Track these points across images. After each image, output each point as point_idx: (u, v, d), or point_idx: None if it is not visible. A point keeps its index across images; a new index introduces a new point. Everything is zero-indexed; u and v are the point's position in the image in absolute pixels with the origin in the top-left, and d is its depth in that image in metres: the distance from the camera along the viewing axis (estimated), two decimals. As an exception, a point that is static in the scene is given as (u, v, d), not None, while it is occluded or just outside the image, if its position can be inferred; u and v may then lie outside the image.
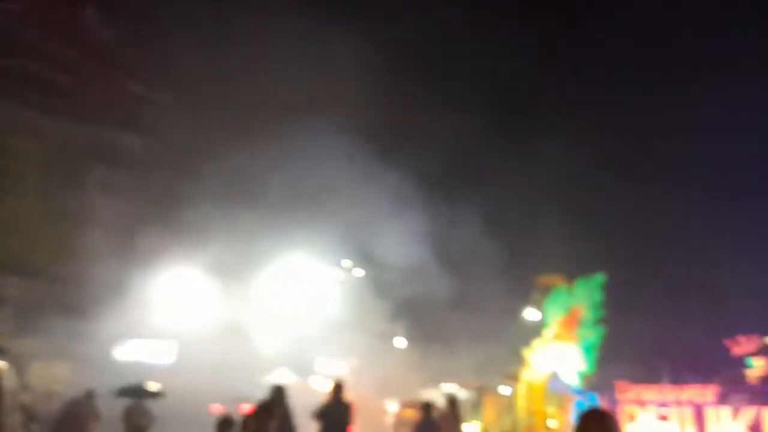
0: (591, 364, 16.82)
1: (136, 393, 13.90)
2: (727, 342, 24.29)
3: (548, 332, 18.93)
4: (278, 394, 10.17)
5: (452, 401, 10.69)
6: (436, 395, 58.50)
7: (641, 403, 11.45)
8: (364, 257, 48.88)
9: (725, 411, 10.27)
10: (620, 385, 12.03)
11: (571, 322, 17.81)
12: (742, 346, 23.75)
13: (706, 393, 10.56)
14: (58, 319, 27.42)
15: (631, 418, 11.60)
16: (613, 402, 12.28)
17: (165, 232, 29.49)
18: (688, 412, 10.68)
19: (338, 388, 10.17)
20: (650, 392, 11.52)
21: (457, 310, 51.70)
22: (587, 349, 17.09)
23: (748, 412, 9.97)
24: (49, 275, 30.19)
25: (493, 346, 44.11)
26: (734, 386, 11.66)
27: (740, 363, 22.13)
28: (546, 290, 20.41)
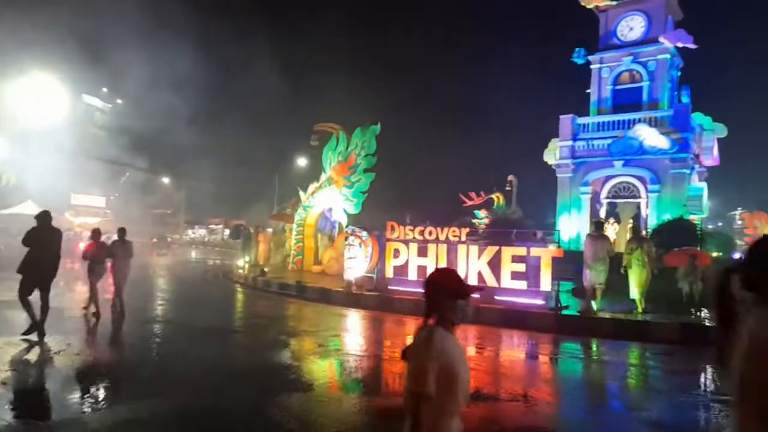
0: (358, 206, 18.50)
1: None
2: (462, 196, 28.88)
3: (323, 176, 20.02)
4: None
5: (121, 231, 11.31)
6: (201, 233, 58.18)
7: (406, 242, 13.13)
8: (128, 88, 44.06)
9: (474, 248, 12.28)
10: (390, 225, 13.42)
11: (345, 167, 19.04)
12: (472, 200, 28.50)
13: (461, 234, 12.39)
14: None
15: (396, 253, 13.36)
16: (382, 239, 13.88)
17: None
18: (444, 249, 12.67)
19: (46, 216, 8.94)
20: (414, 232, 13.06)
21: (229, 152, 51.10)
22: (356, 194, 18.65)
23: (491, 250, 12.00)
24: None
25: (264, 187, 45.50)
26: (470, 231, 13.64)
27: (470, 214, 26.76)
28: (324, 137, 21.18)
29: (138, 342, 8.81)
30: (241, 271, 19.80)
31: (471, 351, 8.55)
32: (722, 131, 25.53)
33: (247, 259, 20.78)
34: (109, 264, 10.89)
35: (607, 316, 10.62)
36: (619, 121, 23.69)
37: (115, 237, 11.53)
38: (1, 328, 8.99)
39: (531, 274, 11.21)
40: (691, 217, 20.07)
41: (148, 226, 47.29)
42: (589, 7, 25.70)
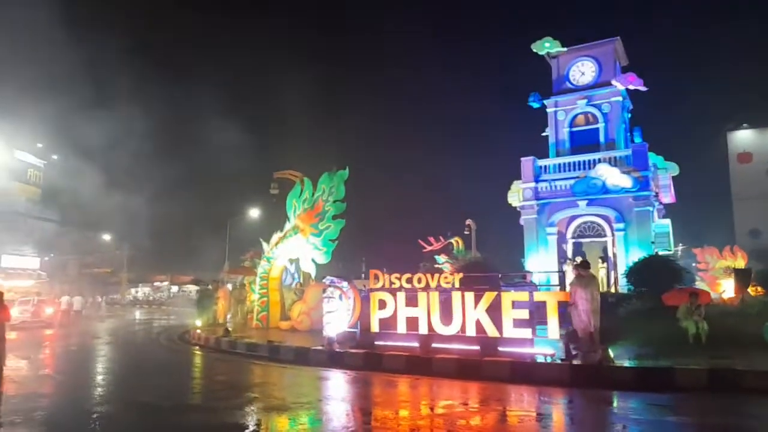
0: (328, 255, 17.39)
1: None
2: (421, 242, 28.25)
3: (288, 225, 18.86)
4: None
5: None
6: (145, 291, 55.12)
7: (393, 291, 12.05)
8: (72, 142, 41.88)
9: (469, 295, 11.15)
10: (374, 273, 12.36)
11: (312, 215, 17.99)
12: (432, 245, 27.91)
13: (454, 280, 11.47)
14: None
15: (382, 304, 12.25)
16: (365, 290, 12.81)
17: None
18: (435, 297, 11.66)
19: None
20: (401, 280, 12.04)
21: (173, 206, 48.93)
22: (325, 242, 17.56)
23: (489, 296, 10.90)
24: None
25: (212, 241, 43.43)
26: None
27: (431, 259, 26.06)
28: (285, 185, 20.17)
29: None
30: (199, 331, 18.06)
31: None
32: (675, 169, 26.31)
33: (204, 318, 19.06)
34: None
35: (626, 364, 9.84)
36: (579, 162, 23.97)
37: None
38: None
39: (535, 321, 10.39)
40: (659, 254, 20.09)
41: (85, 286, 43.97)
42: (540, 53, 26.38)
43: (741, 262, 23.71)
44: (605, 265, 23.68)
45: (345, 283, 13.04)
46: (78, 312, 29.03)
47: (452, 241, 27.80)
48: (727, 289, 20.13)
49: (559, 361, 9.92)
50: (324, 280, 13.68)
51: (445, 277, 11.56)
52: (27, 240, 42.35)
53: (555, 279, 19.44)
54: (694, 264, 25.49)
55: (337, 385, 10.48)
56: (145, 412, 8.22)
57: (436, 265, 25.47)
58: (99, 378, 11.75)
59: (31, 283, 35.11)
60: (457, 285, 11.46)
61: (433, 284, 11.68)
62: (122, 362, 14.59)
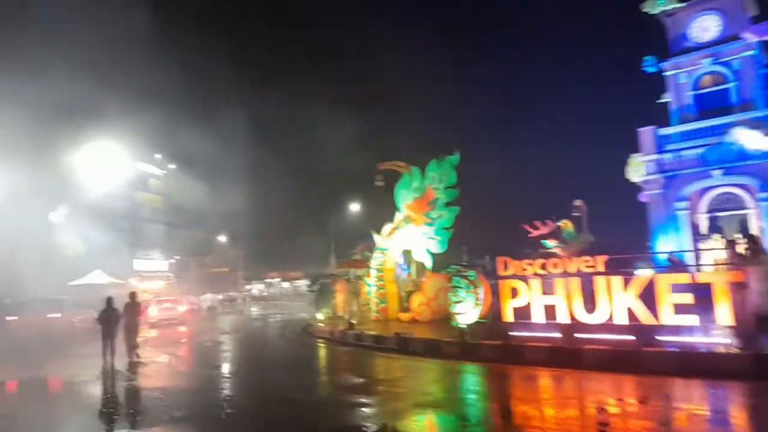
0: (443, 244, 17.01)
1: None
2: (526, 226, 26.94)
3: (399, 216, 18.69)
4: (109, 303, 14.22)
5: (131, 295, 14.93)
6: (259, 288, 57.86)
7: (525, 279, 11.43)
8: (180, 153, 44.78)
9: (617, 280, 10.22)
10: (502, 260, 11.75)
11: (423, 204, 17.67)
12: (538, 229, 26.50)
13: (598, 261, 10.60)
14: None
15: (514, 293, 11.68)
16: (494, 277, 12.28)
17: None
18: (576, 283, 10.84)
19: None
20: (534, 265, 11.39)
21: (281, 204, 50.89)
22: (439, 231, 17.20)
23: (640, 280, 9.96)
24: None
25: (318, 236, 44.58)
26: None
27: (536, 245, 24.74)
28: (392, 177, 19.98)
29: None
30: (321, 324, 18.42)
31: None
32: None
33: (324, 311, 19.42)
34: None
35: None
36: (708, 127, 21.68)
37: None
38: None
39: (701, 306, 9.32)
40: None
41: (207, 285, 46.95)
42: (653, 12, 24.14)
43: None
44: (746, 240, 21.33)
45: (472, 272, 12.57)
46: (213, 308, 32.07)
47: (560, 224, 26.37)
48: None
49: (736, 351, 8.81)
50: (448, 270, 13.28)
51: (585, 261, 10.71)
52: (154, 245, 45.94)
53: (692, 259, 17.77)
54: None
55: (479, 380, 10.11)
56: (297, 408, 8.30)
57: (543, 250, 24.27)
58: (243, 373, 12.24)
59: (162, 285, 37.97)
60: (600, 269, 10.59)
61: (571, 269, 10.89)
62: (258, 357, 15.26)
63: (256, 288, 59.97)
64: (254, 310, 38.15)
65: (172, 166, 50.54)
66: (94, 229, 33.51)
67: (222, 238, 54.09)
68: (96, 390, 11.09)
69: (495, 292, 12.69)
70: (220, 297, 42.06)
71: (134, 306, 14.67)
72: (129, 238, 40.71)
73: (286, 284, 63.02)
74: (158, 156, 49.47)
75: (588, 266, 10.73)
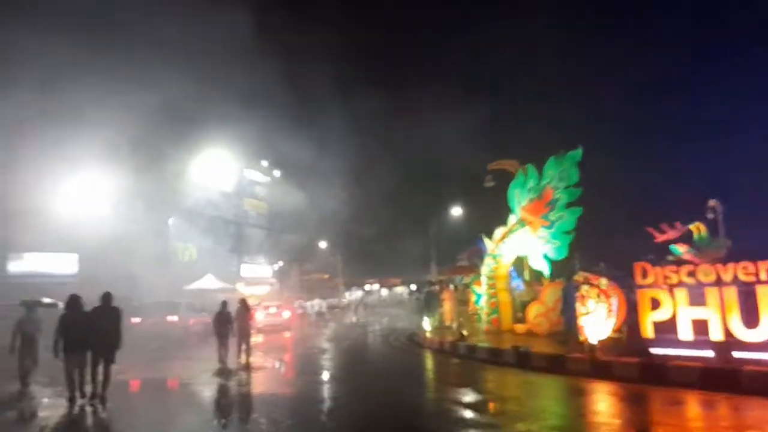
0: (563, 250, 15.56)
1: (27, 305, 12.09)
2: (651, 230, 24.31)
3: (513, 218, 17.50)
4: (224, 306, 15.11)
5: (242, 301, 15.63)
6: (358, 295, 58.24)
7: (669, 288, 9.98)
8: (286, 161, 46.16)
9: None
10: (639, 266, 10.38)
11: (540, 205, 16.37)
12: (665, 233, 23.81)
13: (760, 269, 9.00)
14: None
15: (655, 304, 10.23)
16: (630, 287, 10.95)
17: (65, 136, 24.16)
18: (732, 293, 9.36)
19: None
20: (679, 273, 9.91)
21: (381, 210, 50.88)
22: (557, 234, 15.79)
23: None
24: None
25: (418, 242, 43.92)
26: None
27: (664, 251, 22.15)
28: (504, 177, 18.81)
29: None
30: (428, 334, 17.67)
31: None
32: None
33: (431, 320, 18.65)
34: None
35: None
36: None
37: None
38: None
39: None
40: None
41: (307, 291, 47.96)
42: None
43: None
44: None
45: (603, 280, 11.23)
46: (321, 314, 33.15)
47: (692, 227, 23.63)
48: None
49: None
50: (576, 277, 12.01)
51: (745, 268, 9.08)
52: (259, 250, 47.77)
53: None
54: None
55: (616, 401, 8.88)
56: (422, 420, 7.62)
57: (670, 257, 21.80)
58: (357, 381, 11.86)
59: (267, 290, 39.24)
60: (763, 277, 8.93)
61: (726, 277, 9.30)
62: (369, 366, 15.08)
63: (356, 294, 60.47)
64: (358, 318, 38.27)
65: (277, 173, 52.38)
66: (205, 235, 35.37)
67: (322, 244, 55.18)
68: (212, 392, 11.25)
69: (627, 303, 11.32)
70: (325, 303, 42.85)
71: (245, 311, 15.13)
72: (236, 243, 42.59)
73: (384, 291, 63.11)
74: (265, 163, 51.50)
75: (748, 273, 9.13)
